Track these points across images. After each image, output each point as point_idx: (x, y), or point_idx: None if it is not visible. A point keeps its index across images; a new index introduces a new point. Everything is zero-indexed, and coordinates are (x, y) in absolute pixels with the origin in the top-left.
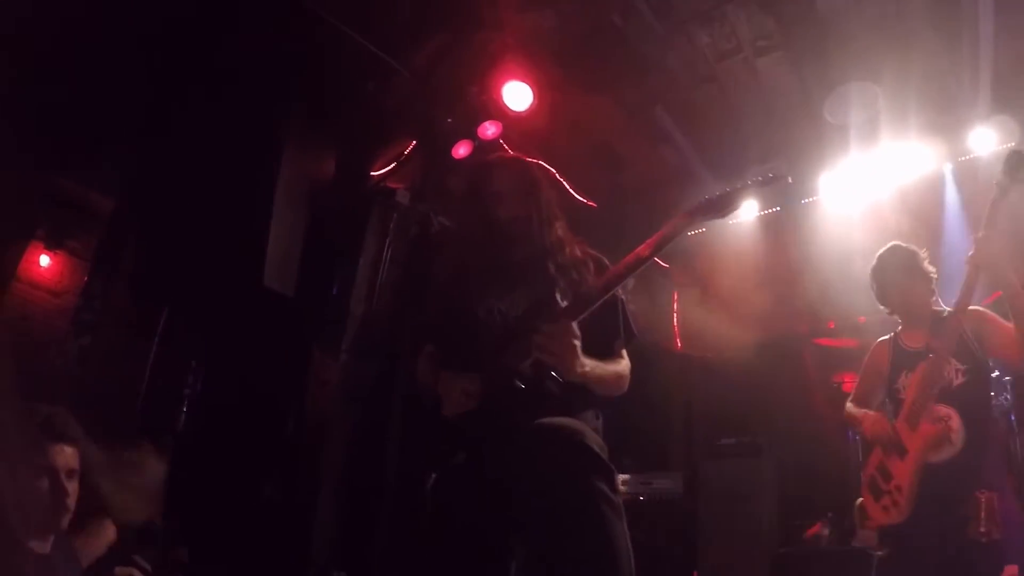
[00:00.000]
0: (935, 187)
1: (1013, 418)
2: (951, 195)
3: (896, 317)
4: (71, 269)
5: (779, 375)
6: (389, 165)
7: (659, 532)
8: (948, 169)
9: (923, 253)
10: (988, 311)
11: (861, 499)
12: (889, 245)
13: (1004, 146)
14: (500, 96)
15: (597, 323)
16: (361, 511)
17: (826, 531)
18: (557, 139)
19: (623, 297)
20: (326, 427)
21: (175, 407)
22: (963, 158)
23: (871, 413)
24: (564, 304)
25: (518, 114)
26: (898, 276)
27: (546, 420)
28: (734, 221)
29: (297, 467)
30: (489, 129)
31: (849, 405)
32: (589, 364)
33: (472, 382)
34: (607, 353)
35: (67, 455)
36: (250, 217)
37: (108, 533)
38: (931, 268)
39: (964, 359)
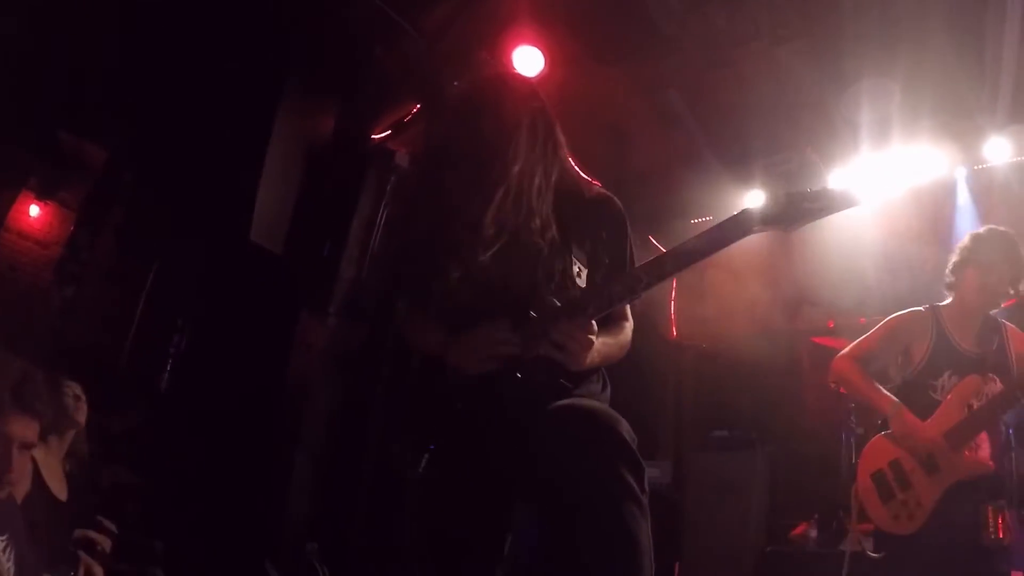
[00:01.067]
0: (947, 191)
1: (1011, 431)
2: (963, 199)
3: (949, 298)
4: (61, 220)
5: (774, 371)
6: (391, 127)
7: None
8: (961, 174)
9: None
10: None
11: (856, 488)
12: (999, 231)
13: (1018, 158)
14: (510, 61)
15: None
16: (339, 481)
17: (813, 532)
18: (565, 110)
19: (633, 250)
20: (308, 392)
21: (159, 366)
22: (977, 166)
23: (906, 412)
24: (587, 292)
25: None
26: (998, 261)
27: (577, 402)
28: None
29: (276, 431)
30: None
31: (849, 361)
32: (598, 349)
33: (503, 329)
34: (614, 313)
35: (27, 426)
36: (241, 172)
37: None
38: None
39: (1000, 371)
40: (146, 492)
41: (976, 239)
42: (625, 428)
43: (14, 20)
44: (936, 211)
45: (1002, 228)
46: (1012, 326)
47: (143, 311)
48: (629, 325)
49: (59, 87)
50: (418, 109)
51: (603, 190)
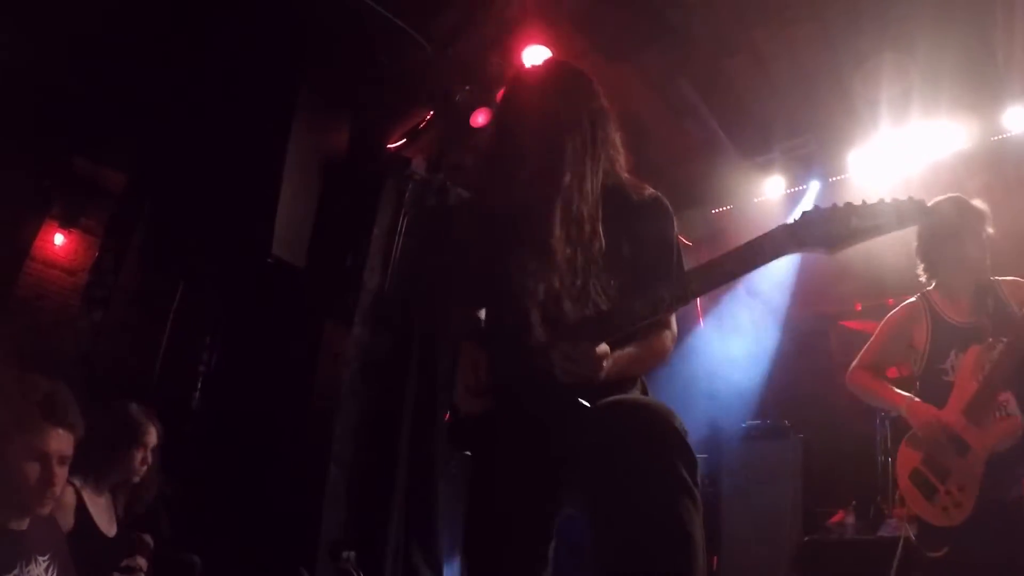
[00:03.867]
0: (968, 164)
1: None
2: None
3: (931, 280)
4: (85, 247)
5: (804, 357)
6: (405, 136)
7: None
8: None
9: (989, 216)
10: None
11: (900, 494)
12: (952, 197)
13: None
14: (521, 62)
15: (646, 278)
16: (373, 488)
17: (851, 519)
18: None
19: (681, 254)
20: (337, 401)
21: (190, 385)
22: (995, 137)
23: (916, 402)
24: (609, 310)
25: None
26: (959, 228)
27: (627, 397)
28: (759, 199)
29: (308, 442)
30: None
31: (860, 370)
32: (621, 360)
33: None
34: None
35: (62, 439)
36: (260, 187)
37: (67, 499)
38: (990, 231)
39: (1001, 330)
40: (182, 508)
41: (929, 220)
42: (678, 421)
43: (30, 47)
44: (957, 186)
45: (950, 195)
46: (1008, 279)
47: (171, 331)
48: (669, 333)
49: (74, 113)
50: (431, 116)
51: (653, 193)
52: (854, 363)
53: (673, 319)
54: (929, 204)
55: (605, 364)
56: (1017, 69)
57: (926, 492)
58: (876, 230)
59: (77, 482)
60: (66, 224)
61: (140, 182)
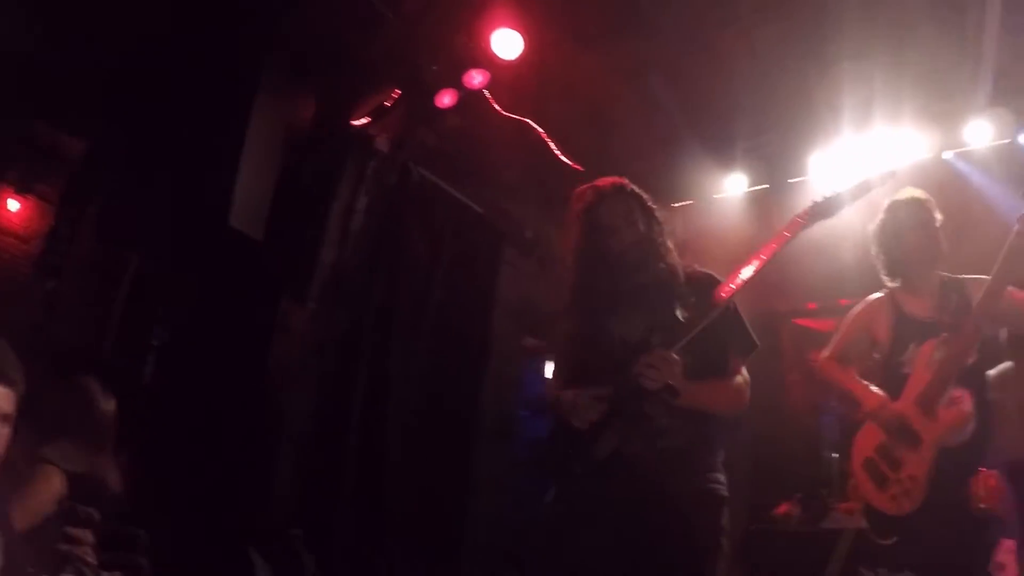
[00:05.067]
0: (927, 175)
1: None
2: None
3: (895, 280)
4: (40, 214)
5: (756, 352)
6: (370, 114)
7: None
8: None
9: (933, 204)
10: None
11: (854, 481)
12: (905, 194)
13: (1000, 141)
14: (488, 44)
15: (711, 340)
16: (322, 467)
17: (796, 510)
18: (546, 95)
19: (737, 309)
20: (290, 378)
21: (142, 358)
22: (957, 150)
23: (872, 392)
24: (670, 327)
25: (507, 63)
26: (916, 229)
27: (696, 480)
28: (719, 196)
29: (259, 419)
30: (476, 78)
31: (829, 361)
32: (693, 387)
33: (600, 391)
34: (722, 370)
35: (1, 396)
36: (220, 159)
37: (54, 485)
38: (940, 218)
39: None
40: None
41: (882, 220)
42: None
43: None
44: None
45: (901, 195)
46: (974, 277)
47: (125, 302)
48: (740, 379)
49: (33, 78)
50: (398, 95)
51: (702, 270)
52: (824, 353)
53: (746, 374)
54: (884, 209)
55: (676, 369)
56: (981, 84)
57: (877, 480)
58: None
59: (57, 462)
60: (21, 190)
61: (99, 150)
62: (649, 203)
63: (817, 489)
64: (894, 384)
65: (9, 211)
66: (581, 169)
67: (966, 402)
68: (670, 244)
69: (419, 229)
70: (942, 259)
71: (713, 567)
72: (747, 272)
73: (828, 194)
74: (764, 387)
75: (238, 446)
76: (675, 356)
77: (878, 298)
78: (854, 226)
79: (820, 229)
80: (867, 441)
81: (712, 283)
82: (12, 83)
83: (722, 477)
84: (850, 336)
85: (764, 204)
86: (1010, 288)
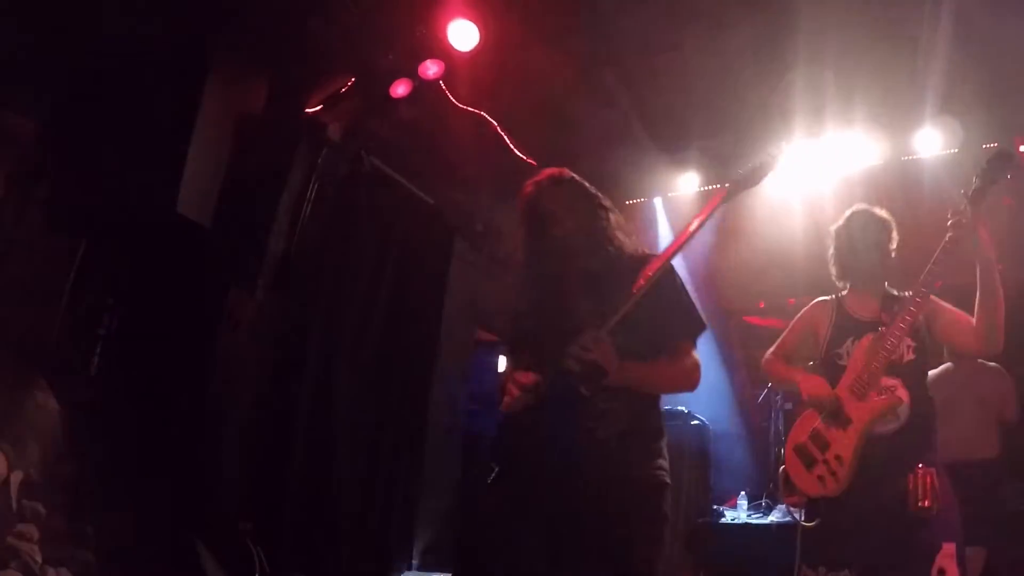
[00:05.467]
0: (877, 180)
1: None
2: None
3: (844, 284)
4: None
5: (705, 348)
6: (324, 101)
7: None
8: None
9: (893, 226)
10: (936, 298)
11: (784, 467)
12: (862, 207)
13: (950, 151)
14: (445, 34)
15: (651, 319)
16: (270, 459)
17: (743, 504)
18: (501, 88)
19: (683, 286)
20: (237, 368)
21: (89, 348)
22: (906, 157)
23: (810, 375)
24: (608, 309)
25: (462, 55)
26: (866, 239)
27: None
28: (673, 194)
29: (206, 410)
30: (431, 68)
31: (773, 358)
32: (630, 366)
33: (528, 376)
34: (663, 350)
35: None
36: (169, 144)
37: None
38: (896, 239)
39: (915, 338)
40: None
41: (840, 227)
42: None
43: None
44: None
45: (860, 206)
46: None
47: (71, 291)
48: (688, 362)
49: None
50: (351, 83)
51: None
52: (769, 351)
53: (695, 352)
54: (842, 217)
55: (609, 352)
56: (931, 94)
57: (806, 462)
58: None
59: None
60: None
61: (47, 133)
62: (591, 190)
63: (764, 483)
64: (832, 375)
65: None
66: (535, 164)
67: (900, 391)
68: (616, 229)
69: (370, 220)
70: (891, 277)
71: (655, 557)
72: (671, 248)
73: (746, 168)
74: (714, 383)
75: (185, 437)
76: (603, 335)
77: (824, 300)
78: (804, 230)
79: (769, 230)
80: (803, 428)
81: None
82: None
83: (665, 463)
84: (795, 334)
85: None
86: (933, 297)
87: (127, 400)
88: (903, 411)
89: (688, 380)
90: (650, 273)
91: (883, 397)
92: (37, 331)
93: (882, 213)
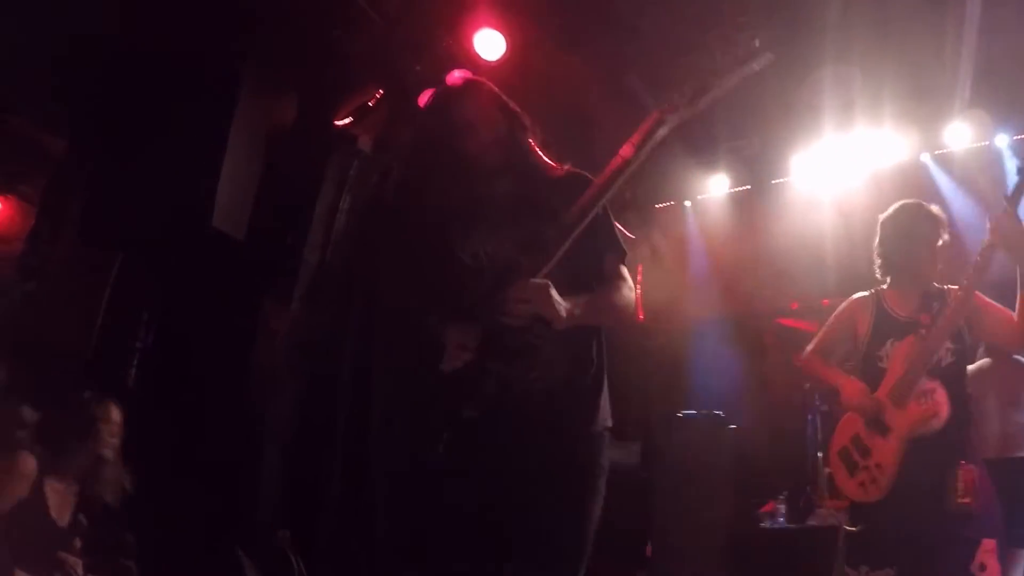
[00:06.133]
0: (908, 176)
1: None
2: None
3: (886, 278)
4: (22, 215)
5: (740, 351)
6: (353, 113)
7: (613, 503)
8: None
9: (946, 223)
10: (979, 293)
11: (829, 470)
12: (912, 201)
13: (977, 143)
14: (471, 45)
15: (584, 249)
16: (309, 468)
17: (781, 508)
18: (528, 95)
19: (607, 209)
20: (274, 380)
21: (126, 361)
22: (938, 151)
23: (850, 380)
24: (540, 242)
25: (489, 64)
26: (915, 233)
27: (557, 408)
28: (703, 196)
29: (244, 421)
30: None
31: (811, 355)
32: (573, 308)
33: (466, 333)
34: (600, 278)
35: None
36: (202, 159)
37: (28, 467)
38: (946, 238)
39: (956, 340)
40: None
41: (888, 217)
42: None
43: None
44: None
45: (911, 200)
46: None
47: (108, 305)
48: (624, 285)
49: (14, 75)
50: (380, 94)
51: (576, 171)
52: (807, 348)
53: (628, 276)
54: (891, 208)
55: (550, 292)
56: (961, 87)
57: (849, 467)
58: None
59: (38, 456)
60: (3, 190)
61: (81, 149)
62: (511, 103)
63: (802, 487)
64: (872, 377)
65: None
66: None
67: (939, 394)
68: (535, 145)
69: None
70: (935, 276)
71: (589, 511)
72: (606, 174)
73: (687, 87)
74: (749, 386)
75: (223, 447)
76: (544, 281)
77: (863, 296)
78: (836, 227)
79: (801, 229)
80: (845, 431)
81: (584, 184)
82: None
83: (607, 407)
84: (834, 332)
85: (747, 204)
86: (977, 292)
87: (165, 411)
88: (943, 412)
89: (629, 309)
90: (586, 203)
91: (922, 406)
92: (75, 344)
93: (934, 209)
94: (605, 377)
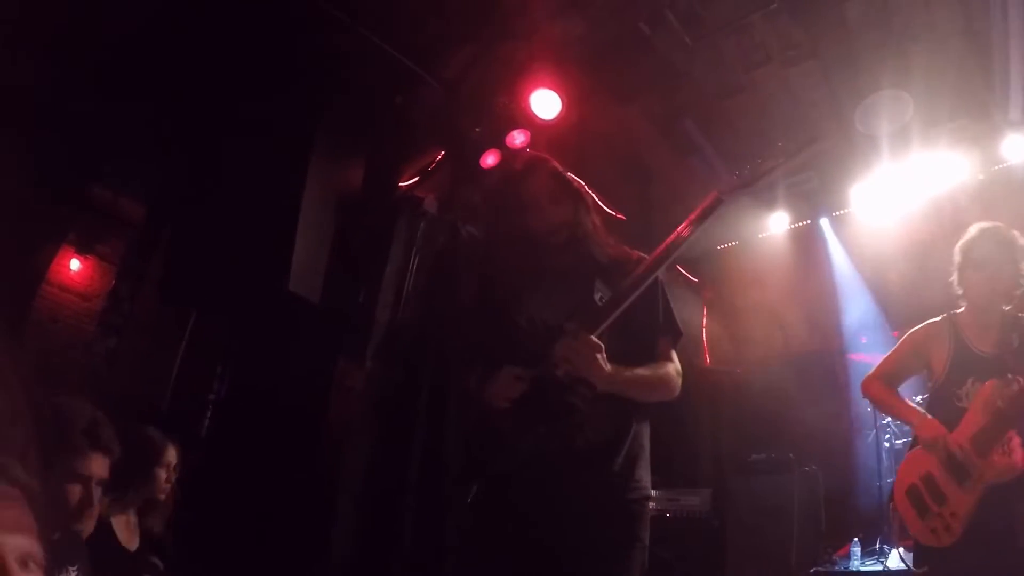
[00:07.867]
0: (969, 196)
1: None
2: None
3: (963, 303)
4: (101, 274)
5: (810, 390)
6: (417, 175)
7: (686, 550)
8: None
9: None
10: None
11: (894, 504)
12: (992, 224)
13: None
14: (528, 105)
15: (636, 323)
16: (382, 523)
17: (857, 550)
18: (585, 149)
19: (664, 289)
20: (348, 435)
21: (199, 413)
22: (997, 167)
23: (930, 419)
24: (592, 310)
25: (546, 123)
26: (994, 258)
27: (597, 476)
28: (763, 235)
29: (318, 474)
30: (517, 138)
31: (874, 379)
32: (616, 374)
33: (519, 371)
34: (650, 356)
35: (101, 464)
36: (277, 224)
37: (76, 497)
38: None
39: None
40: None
41: (968, 242)
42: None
43: (53, 73)
44: (957, 217)
45: (991, 224)
46: None
47: (183, 359)
48: (672, 366)
49: (93, 141)
50: (442, 156)
51: (634, 252)
52: (870, 372)
53: (675, 356)
54: (970, 232)
55: (597, 355)
56: (1013, 99)
57: (919, 509)
58: (773, 163)
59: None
60: (82, 250)
61: (159, 212)
62: (576, 182)
63: (878, 527)
64: (947, 415)
65: (71, 270)
66: (623, 218)
67: (1015, 442)
68: (598, 224)
69: (470, 287)
70: (1014, 302)
71: None
72: (660, 251)
73: (747, 167)
74: (821, 425)
75: (296, 501)
76: (596, 340)
77: (935, 322)
78: (899, 256)
79: (865, 261)
80: (914, 468)
81: (640, 264)
82: (72, 145)
83: (646, 477)
84: (903, 358)
85: (808, 239)
86: None
87: (238, 462)
88: (1020, 459)
89: (670, 387)
90: (640, 274)
91: (1005, 457)
92: (152, 397)
93: (1015, 234)
94: (644, 450)
